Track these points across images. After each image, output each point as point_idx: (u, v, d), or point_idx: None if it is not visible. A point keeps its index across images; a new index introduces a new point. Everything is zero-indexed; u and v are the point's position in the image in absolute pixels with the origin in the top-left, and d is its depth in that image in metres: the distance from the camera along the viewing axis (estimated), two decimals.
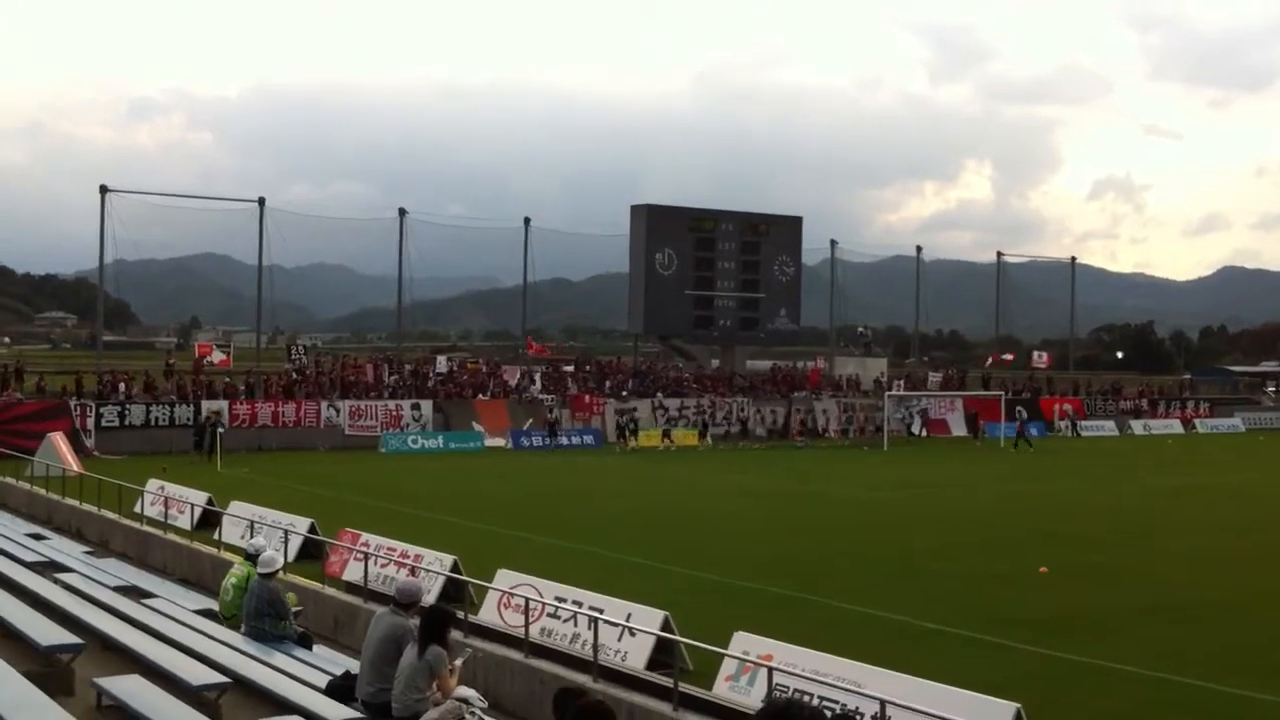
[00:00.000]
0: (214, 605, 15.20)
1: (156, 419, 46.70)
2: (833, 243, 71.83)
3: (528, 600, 14.87)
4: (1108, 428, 67.66)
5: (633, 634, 14.25)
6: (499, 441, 51.29)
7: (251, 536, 18.18)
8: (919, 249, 75.54)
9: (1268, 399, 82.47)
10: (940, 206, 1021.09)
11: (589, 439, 53.38)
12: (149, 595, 15.72)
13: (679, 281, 62.53)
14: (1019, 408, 61.07)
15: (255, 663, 11.74)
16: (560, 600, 15.60)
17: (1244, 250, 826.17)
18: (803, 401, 60.84)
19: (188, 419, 46.27)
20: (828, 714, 10.78)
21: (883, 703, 10.59)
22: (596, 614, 14.08)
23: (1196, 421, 71.83)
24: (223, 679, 10.48)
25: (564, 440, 52.30)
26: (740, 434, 57.17)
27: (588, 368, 62.56)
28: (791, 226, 67.74)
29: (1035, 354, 75.82)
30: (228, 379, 51.54)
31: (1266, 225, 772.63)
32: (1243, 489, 37.57)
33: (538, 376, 57.01)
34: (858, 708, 11.18)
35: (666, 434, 53.49)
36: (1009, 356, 72.58)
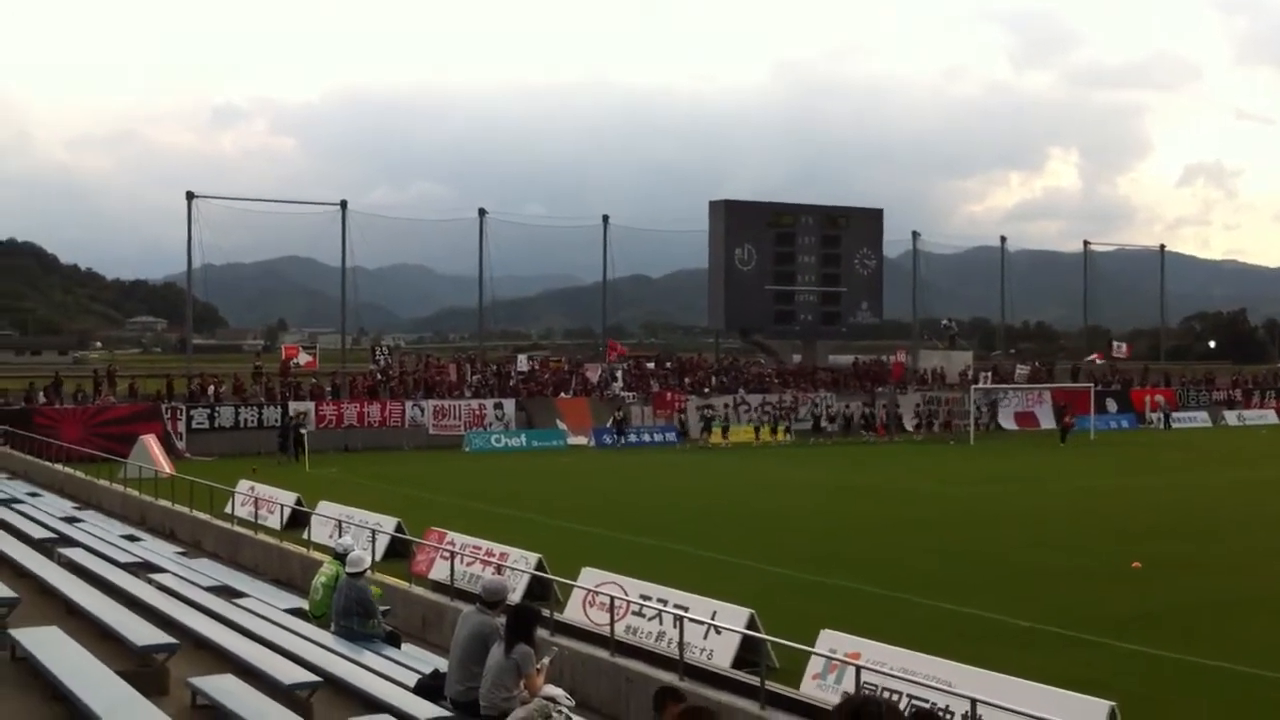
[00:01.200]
0: (304, 604, 15.37)
1: (245, 421, 47.46)
2: (914, 234, 71.17)
3: (613, 599, 14.85)
4: (1200, 419, 66.43)
5: (718, 632, 14.20)
6: (582, 440, 51.46)
7: (339, 536, 18.37)
8: (1003, 239, 74.64)
9: None
10: (1026, 195, 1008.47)
11: (669, 436, 53.25)
12: (241, 595, 15.94)
13: (759, 276, 62.28)
14: (1065, 403, 59.44)
15: (345, 661, 11.86)
16: (645, 598, 15.59)
17: None
18: (886, 395, 60.28)
19: (276, 420, 46.95)
20: (907, 713, 10.65)
21: (973, 701, 10.43)
22: (682, 612, 14.02)
23: None
24: (314, 678, 10.58)
25: (636, 438, 52.16)
26: (813, 429, 56.58)
27: (668, 364, 62.53)
28: (872, 219, 67.23)
29: (1115, 345, 74.46)
30: (314, 380, 52.22)
31: None
32: None
33: (619, 374, 57.07)
34: (948, 706, 11.04)
35: (724, 431, 53.16)
36: (1098, 359, 71.01)
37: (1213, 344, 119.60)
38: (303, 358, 52.64)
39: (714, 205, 63.96)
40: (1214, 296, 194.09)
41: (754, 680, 12.38)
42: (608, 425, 52.30)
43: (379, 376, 53.17)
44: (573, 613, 16.32)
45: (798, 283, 63.56)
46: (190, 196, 53.44)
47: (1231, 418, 67.43)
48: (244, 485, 27.93)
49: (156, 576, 15.98)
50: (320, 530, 22.58)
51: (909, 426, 58.81)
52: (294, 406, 47.36)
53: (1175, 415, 64.85)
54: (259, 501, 25.66)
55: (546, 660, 10.67)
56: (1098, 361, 69.26)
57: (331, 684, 10.77)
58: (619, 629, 14.69)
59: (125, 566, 16.49)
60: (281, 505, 25.86)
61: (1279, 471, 39.49)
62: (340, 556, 14.41)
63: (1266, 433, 60.71)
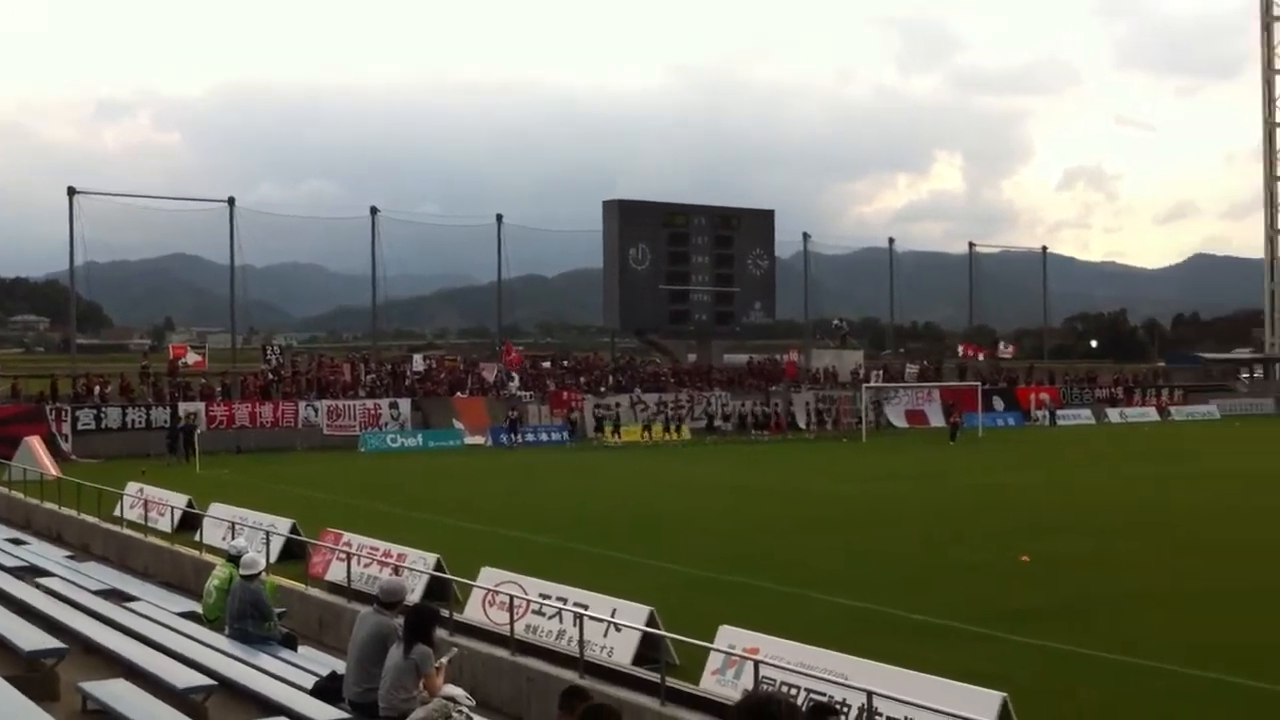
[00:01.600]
0: (197, 608, 15.14)
1: (133, 422, 46.51)
2: (805, 235, 72.13)
3: (512, 598, 14.84)
4: (1084, 416, 68.11)
5: (618, 630, 14.24)
6: (479, 439, 51.25)
7: (233, 538, 18.11)
8: (891, 240, 76.11)
9: (1241, 386, 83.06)
10: (913, 197, 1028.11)
11: (562, 435, 53.08)
12: (131, 599, 15.66)
13: (653, 276, 62.57)
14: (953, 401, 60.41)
15: (241, 664, 11.71)
16: (545, 597, 15.57)
17: (1214, 238, 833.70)
18: (780, 394, 60.89)
19: (164, 421, 46.05)
20: (805, 706, 10.81)
21: (869, 694, 10.61)
22: (582, 610, 14.04)
23: (1172, 409, 72.35)
24: (209, 681, 10.45)
25: (530, 437, 52.10)
26: (706, 429, 56.90)
27: (565, 363, 62.54)
28: (764, 220, 67.94)
29: (1001, 345, 76.32)
30: (204, 380, 51.33)
31: (1236, 213, 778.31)
32: (1221, 476, 37.74)
33: (515, 373, 56.93)
34: (845, 700, 11.19)
35: (616, 429, 53.20)
36: (982, 354, 72.68)
37: (1094, 343, 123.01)
38: (191, 357, 51.84)
39: (608, 205, 64.16)
40: (1095, 297, 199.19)
41: (654, 677, 12.45)
42: (504, 425, 52.15)
43: (271, 376, 52.42)
44: (472, 612, 16.27)
45: (692, 282, 63.98)
46: (72, 192, 52.23)
47: (1114, 415, 69.27)
48: (133, 487, 27.42)
49: (44, 580, 15.64)
50: (213, 532, 22.24)
51: (802, 425, 59.46)
52: (183, 407, 46.53)
53: (1060, 413, 66.43)
54: (149, 504, 25.22)
55: (445, 660, 10.63)
56: (970, 356, 70.98)
57: (226, 687, 10.63)
58: (519, 628, 14.68)
59: (11, 571, 16.13)
60: (172, 507, 25.38)
61: (1164, 468, 40.66)
62: (234, 558, 14.22)
63: (1148, 429, 62.43)
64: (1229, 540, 25.07)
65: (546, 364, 61.62)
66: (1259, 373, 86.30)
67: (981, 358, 71.53)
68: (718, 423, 57.25)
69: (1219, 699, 13.67)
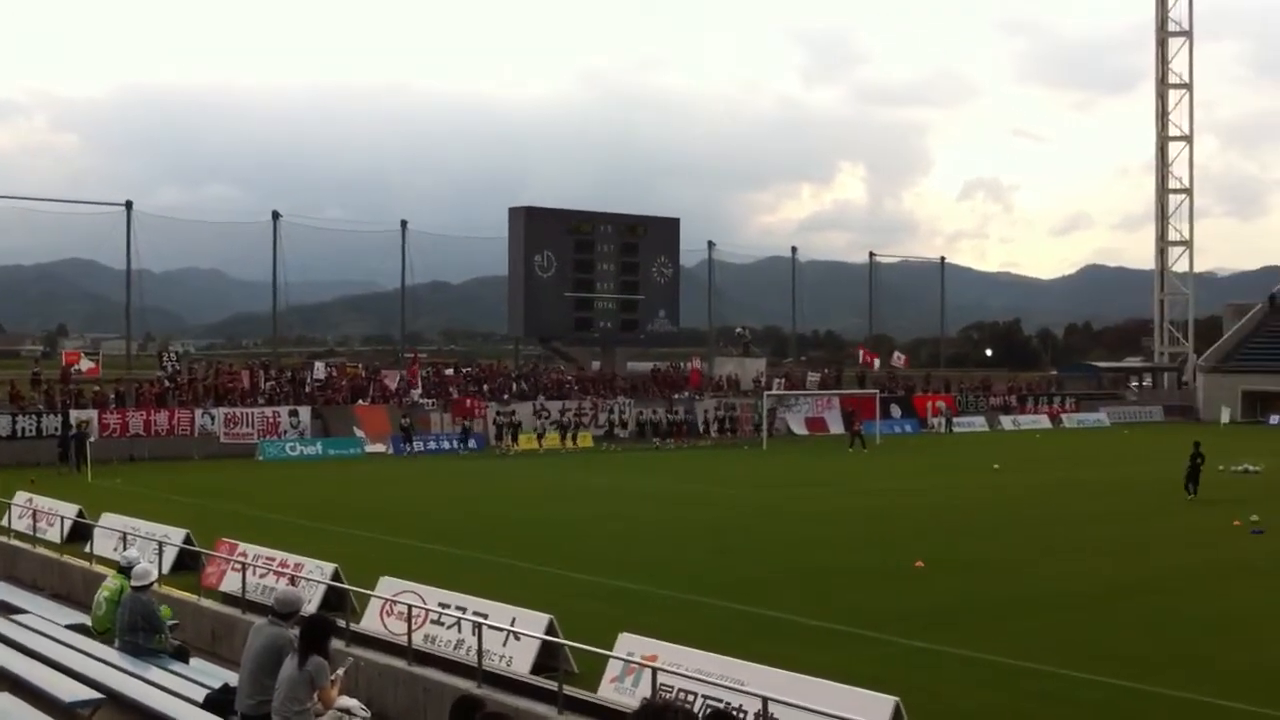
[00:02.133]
0: (87, 620, 14.87)
1: (24, 430, 45.39)
2: (710, 244, 72.61)
3: (410, 607, 14.74)
4: (979, 423, 69.26)
5: (517, 638, 14.21)
6: (380, 447, 50.76)
7: (124, 549, 17.78)
8: (794, 250, 76.88)
9: (1130, 394, 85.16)
10: (816, 208, 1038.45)
11: (455, 444, 52.51)
12: (19, 611, 15.34)
13: (558, 283, 62.55)
14: (853, 409, 60.95)
15: (130, 678, 11.52)
16: (444, 606, 15.48)
17: (1106, 249, 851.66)
18: (684, 402, 61.16)
19: (56, 429, 45.00)
20: (702, 714, 10.92)
21: (765, 700, 10.73)
22: (481, 619, 14.01)
23: (1063, 416, 73.89)
24: (97, 695, 10.29)
25: (432, 445, 51.72)
26: (606, 435, 56.82)
27: (467, 370, 62.21)
28: (669, 228, 68.23)
29: (895, 355, 77.61)
30: (97, 388, 50.26)
31: (1128, 225, 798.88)
32: (1108, 483, 38.65)
33: (419, 380, 56.48)
34: (741, 705, 11.31)
35: (514, 436, 52.99)
36: (875, 359, 73.81)
37: (989, 352, 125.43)
38: (85, 364, 50.70)
39: (514, 212, 64.02)
40: (991, 307, 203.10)
41: (552, 685, 12.47)
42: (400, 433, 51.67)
43: (167, 384, 51.49)
44: (370, 623, 16.14)
45: (597, 290, 64.08)
46: None
47: (1007, 422, 70.57)
48: (21, 497, 26.77)
49: None
50: (104, 543, 21.81)
51: (703, 431, 59.74)
52: (76, 415, 45.49)
53: (956, 420, 67.51)
54: (38, 513, 24.63)
55: (341, 671, 10.57)
56: (867, 361, 71.98)
57: (115, 701, 10.47)
58: (417, 638, 14.59)
59: None
60: (62, 517, 24.79)
61: (1056, 474, 41.54)
62: (125, 570, 13.99)
63: (1040, 437, 63.70)
64: (1113, 541, 25.72)
65: (450, 371, 61.25)
66: (1148, 381, 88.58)
67: (876, 365, 72.54)
68: (617, 430, 57.24)
69: (1092, 699, 14.04)
